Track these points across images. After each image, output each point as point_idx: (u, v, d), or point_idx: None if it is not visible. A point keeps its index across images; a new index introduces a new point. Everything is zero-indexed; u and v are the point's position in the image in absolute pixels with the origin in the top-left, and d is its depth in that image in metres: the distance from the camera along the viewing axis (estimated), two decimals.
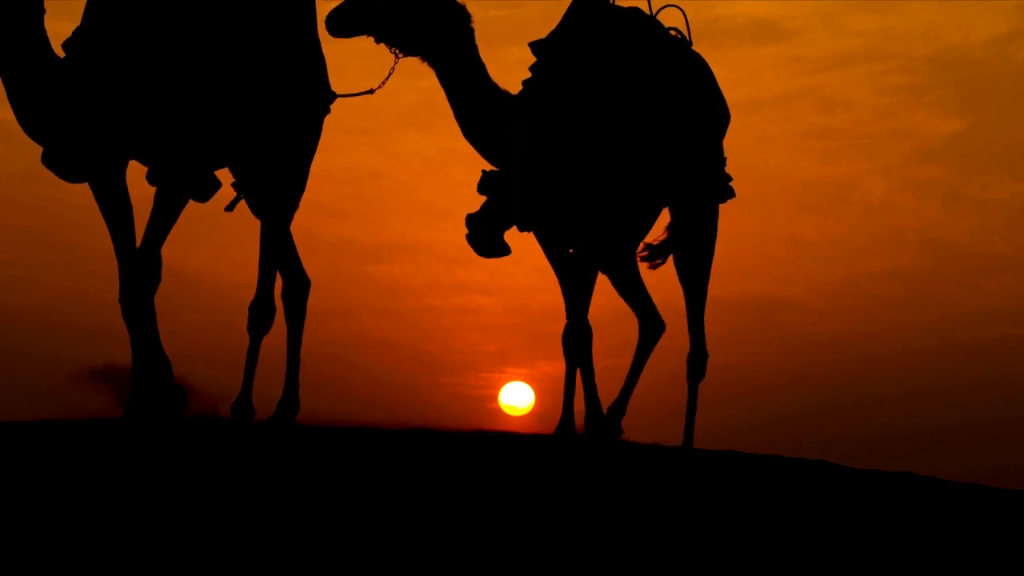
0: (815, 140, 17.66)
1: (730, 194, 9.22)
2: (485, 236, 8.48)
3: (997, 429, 15.54)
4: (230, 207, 8.40)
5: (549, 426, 8.80)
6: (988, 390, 16.16)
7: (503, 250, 8.56)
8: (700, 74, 9.09)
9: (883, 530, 6.87)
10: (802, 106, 17.65)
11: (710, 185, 9.10)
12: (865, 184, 17.88)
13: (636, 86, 8.69)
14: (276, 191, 8.35)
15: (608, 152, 8.56)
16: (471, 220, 8.51)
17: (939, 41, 17.69)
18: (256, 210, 8.41)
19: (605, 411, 8.79)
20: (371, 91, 8.57)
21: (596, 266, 8.75)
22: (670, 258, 9.19)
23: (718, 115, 9.16)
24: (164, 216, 8.36)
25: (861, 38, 17.53)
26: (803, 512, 7.04)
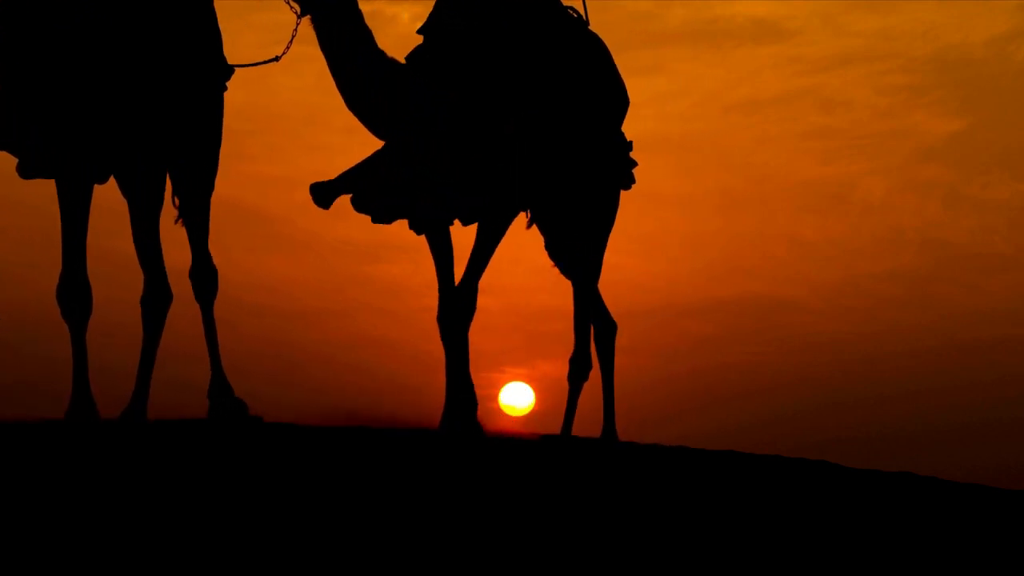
0: (815, 140, 17.67)
1: (631, 181, 8.97)
2: (332, 190, 8.23)
3: (997, 429, 15.56)
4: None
5: (549, 426, 8.81)
6: (988, 390, 16.17)
7: (327, 201, 8.27)
8: (597, 55, 8.82)
9: (883, 530, 6.87)
10: (802, 106, 17.66)
11: (611, 170, 8.85)
12: (865, 184, 17.90)
13: (526, 60, 8.46)
14: (184, 173, 8.17)
15: (501, 123, 8.35)
16: (317, 188, 8.25)
17: (939, 41, 17.70)
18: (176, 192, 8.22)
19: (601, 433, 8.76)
20: (276, 58, 8.37)
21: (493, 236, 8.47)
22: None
23: (617, 98, 8.90)
24: (136, 222, 8.26)
25: (861, 38, 17.55)
26: (803, 512, 7.04)
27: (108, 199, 8.16)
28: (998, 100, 17.94)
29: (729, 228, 17.00)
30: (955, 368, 16.83)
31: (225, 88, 8.31)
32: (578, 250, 8.82)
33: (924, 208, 18.09)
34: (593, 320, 8.96)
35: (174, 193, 8.26)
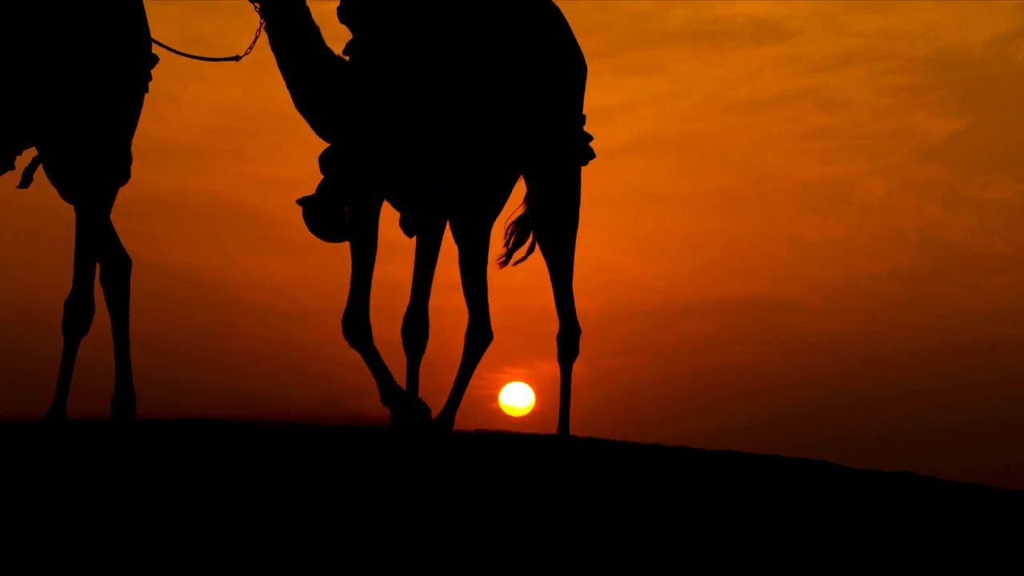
0: (815, 140, 17.67)
1: (590, 155, 8.72)
2: (324, 217, 8.10)
3: (997, 429, 15.55)
4: (24, 183, 7.96)
5: (549, 426, 8.79)
6: (988, 390, 16.16)
7: (342, 234, 8.17)
8: (549, 20, 8.61)
9: (883, 530, 6.87)
10: (802, 106, 17.66)
11: (567, 145, 8.62)
12: (865, 184, 17.89)
13: (471, 32, 8.32)
14: (91, 167, 7.97)
15: (443, 110, 8.23)
16: (307, 203, 8.13)
17: (939, 41, 17.69)
18: (70, 192, 8.02)
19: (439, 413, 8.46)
20: (237, 57, 8.30)
21: (433, 244, 8.35)
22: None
23: (573, 66, 8.67)
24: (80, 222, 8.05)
25: (861, 38, 17.54)
26: (803, 512, 7.04)
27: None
28: (998, 100, 17.93)
29: (729, 228, 17.00)
30: (955, 368, 16.82)
31: (150, 77, 8.14)
32: (552, 231, 8.62)
33: (924, 208, 18.09)
34: (471, 315, 8.75)
35: (64, 196, 8.05)
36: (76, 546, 5.64)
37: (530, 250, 8.81)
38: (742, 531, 6.53)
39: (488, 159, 8.45)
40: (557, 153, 8.56)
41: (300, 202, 8.14)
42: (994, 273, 17.84)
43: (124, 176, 8.10)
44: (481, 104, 8.32)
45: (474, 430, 8.97)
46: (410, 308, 8.37)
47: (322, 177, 8.15)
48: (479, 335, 8.67)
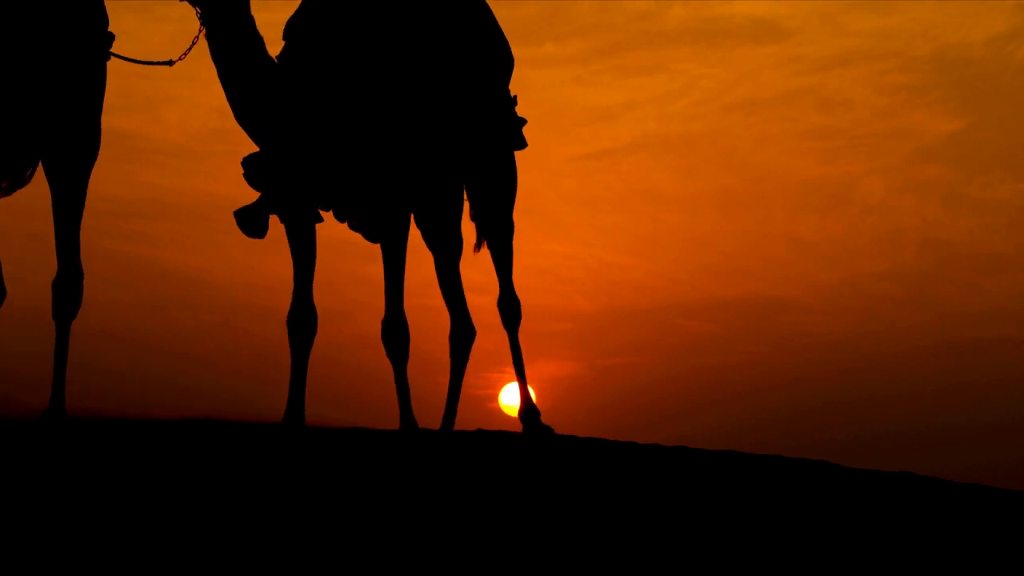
0: (815, 140, 17.68)
1: (522, 143, 8.71)
2: (258, 220, 8.09)
3: (997, 429, 15.56)
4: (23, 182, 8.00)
5: (549, 426, 8.80)
6: (988, 390, 16.18)
7: (263, 231, 8.13)
8: (475, 10, 8.56)
9: (883, 530, 6.87)
10: (802, 106, 17.67)
11: (501, 133, 8.60)
12: (865, 184, 17.90)
13: (401, 27, 8.25)
14: (61, 149, 7.93)
15: (379, 111, 8.19)
16: (243, 213, 8.10)
17: (939, 41, 17.70)
18: (48, 171, 7.98)
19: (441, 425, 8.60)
20: (170, 62, 8.25)
21: (394, 246, 8.34)
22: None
23: (500, 56, 8.61)
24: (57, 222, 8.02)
25: (861, 38, 17.55)
26: (803, 512, 7.04)
27: (107, 200, 8.15)
28: (998, 100, 17.94)
29: (729, 228, 17.01)
30: (955, 368, 16.84)
31: (108, 57, 8.11)
32: (490, 215, 8.67)
33: (924, 208, 18.10)
34: (452, 315, 8.80)
35: (48, 180, 8.03)
36: (75, 546, 5.64)
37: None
38: (742, 531, 6.53)
39: (443, 159, 8.42)
40: (492, 140, 8.57)
41: (236, 214, 8.12)
42: (994, 273, 17.85)
43: (94, 151, 8.07)
44: (418, 103, 8.25)
45: (474, 430, 8.97)
46: (387, 314, 8.36)
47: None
48: (463, 334, 8.71)
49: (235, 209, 8.15)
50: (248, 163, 8.17)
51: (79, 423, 7.87)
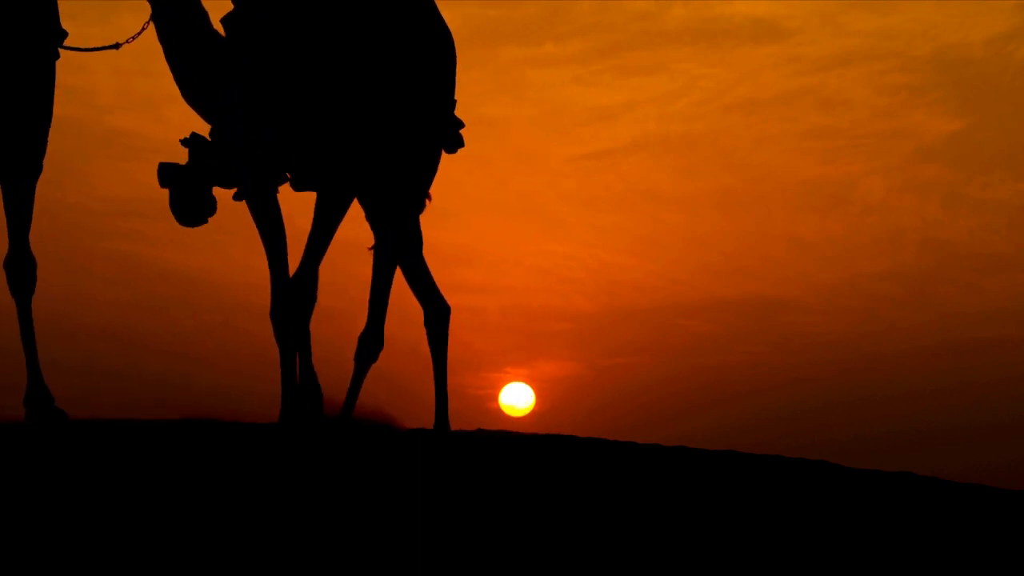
0: (815, 140, 17.69)
1: (459, 143, 8.49)
2: (190, 202, 7.98)
3: (997, 429, 15.57)
4: None
5: (549, 426, 8.79)
6: (988, 390, 16.19)
7: (204, 217, 8.06)
8: (418, 3, 8.39)
9: (883, 530, 6.87)
10: (802, 106, 17.68)
11: (438, 130, 8.41)
12: (865, 184, 17.91)
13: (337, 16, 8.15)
14: (8, 145, 7.89)
15: (319, 91, 8.08)
16: (171, 178, 7.99)
17: (939, 41, 17.70)
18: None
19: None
20: (116, 45, 8.19)
21: (330, 222, 8.19)
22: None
23: (441, 48, 8.41)
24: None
25: (861, 38, 17.56)
26: (803, 512, 7.04)
27: (107, 200, 8.15)
28: (998, 100, 17.95)
29: (729, 228, 17.02)
30: (955, 368, 16.85)
31: (57, 55, 8.05)
32: (389, 216, 8.44)
33: (924, 208, 18.11)
34: (423, 302, 8.64)
35: None
36: (75, 546, 5.64)
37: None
38: (742, 531, 6.53)
39: (403, 147, 8.29)
40: (429, 137, 8.38)
41: (162, 168, 8.04)
42: (994, 273, 17.86)
43: (42, 147, 8.00)
44: (359, 82, 8.14)
45: (474, 430, 8.97)
46: (296, 275, 8.24)
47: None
48: (437, 314, 8.53)
49: (172, 204, 8.08)
50: (192, 143, 8.09)
51: (79, 423, 7.86)
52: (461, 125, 8.45)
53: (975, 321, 17.59)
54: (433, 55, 8.36)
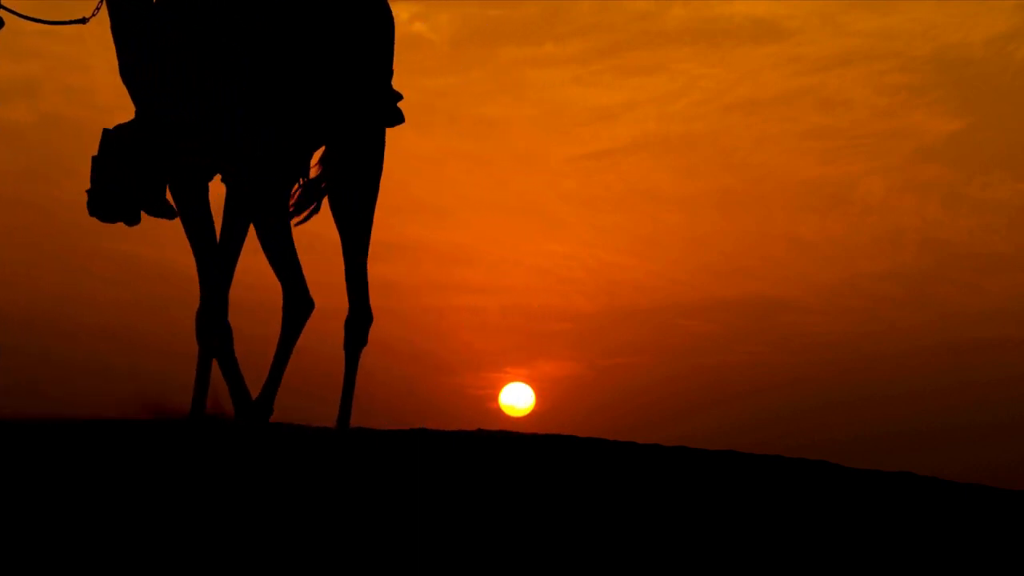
0: (815, 140, 17.70)
1: (399, 118, 8.34)
2: (108, 198, 7.91)
3: (997, 429, 15.58)
4: None
5: (549, 426, 8.79)
6: (988, 390, 16.20)
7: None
8: None
9: (883, 530, 6.87)
10: (802, 106, 17.69)
11: (374, 105, 8.27)
12: (865, 184, 17.92)
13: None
14: None
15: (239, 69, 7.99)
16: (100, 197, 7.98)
17: (939, 41, 17.71)
18: None
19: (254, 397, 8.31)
20: (84, 20, 8.12)
21: (246, 215, 8.08)
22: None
23: (380, 22, 8.28)
24: None
25: (861, 38, 17.57)
26: (803, 512, 7.04)
27: None
28: (998, 100, 17.96)
29: (729, 228, 17.04)
30: (955, 368, 16.86)
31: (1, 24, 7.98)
32: (350, 200, 8.31)
33: (924, 208, 18.11)
34: (351, 304, 8.41)
35: None
36: (75, 546, 5.64)
37: (313, 212, 8.48)
38: (742, 531, 6.53)
39: (292, 122, 8.15)
40: (364, 112, 8.26)
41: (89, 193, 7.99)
42: (993, 273, 17.87)
43: None
44: (288, 65, 8.06)
45: (474, 430, 8.97)
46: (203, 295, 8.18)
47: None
48: (298, 306, 8.36)
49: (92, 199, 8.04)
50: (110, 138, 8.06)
51: (79, 423, 7.87)
52: (399, 97, 8.31)
53: (975, 321, 17.60)
54: (365, 25, 8.24)
